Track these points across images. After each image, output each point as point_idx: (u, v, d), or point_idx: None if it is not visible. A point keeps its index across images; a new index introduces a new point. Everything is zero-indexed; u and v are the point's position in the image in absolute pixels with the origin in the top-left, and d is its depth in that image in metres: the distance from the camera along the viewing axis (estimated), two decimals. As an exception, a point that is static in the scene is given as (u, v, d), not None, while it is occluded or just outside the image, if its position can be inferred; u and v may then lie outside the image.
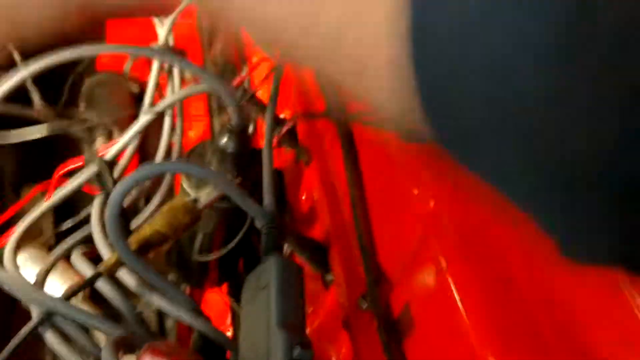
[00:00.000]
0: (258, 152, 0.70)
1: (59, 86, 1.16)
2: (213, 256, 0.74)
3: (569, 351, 0.44)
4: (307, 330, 0.69)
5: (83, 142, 1.12)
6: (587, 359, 0.44)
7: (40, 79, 1.13)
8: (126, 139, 0.69)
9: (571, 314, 0.47)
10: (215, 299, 0.88)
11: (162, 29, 0.87)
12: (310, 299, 0.71)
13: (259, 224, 0.58)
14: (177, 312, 0.59)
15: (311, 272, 0.69)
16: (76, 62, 1.17)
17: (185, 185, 0.70)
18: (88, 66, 1.22)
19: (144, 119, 0.69)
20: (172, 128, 0.85)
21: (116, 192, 0.51)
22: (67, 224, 0.81)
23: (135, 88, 1.15)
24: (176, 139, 0.87)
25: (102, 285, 0.58)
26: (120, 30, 1.19)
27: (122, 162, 0.78)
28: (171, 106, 0.72)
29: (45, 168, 0.79)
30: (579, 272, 0.50)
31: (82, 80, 1.19)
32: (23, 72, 0.59)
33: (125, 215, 0.70)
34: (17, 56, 0.99)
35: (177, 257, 0.78)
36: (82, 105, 1.18)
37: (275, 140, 0.71)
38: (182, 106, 0.85)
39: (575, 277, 0.49)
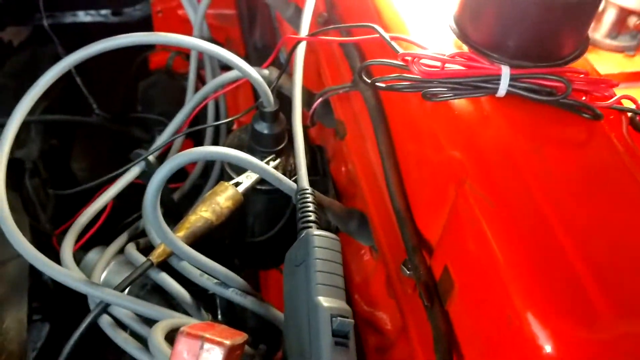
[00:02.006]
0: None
1: (115, 92, 1.22)
2: (263, 237, 0.76)
3: (613, 304, 0.42)
4: (357, 300, 0.70)
5: (143, 141, 1.18)
6: (632, 310, 0.42)
7: (97, 87, 1.19)
8: (165, 137, 0.72)
9: (614, 265, 0.44)
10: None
11: (195, 18, 0.88)
12: (359, 269, 0.71)
13: (294, 200, 0.59)
14: (227, 293, 0.61)
15: (359, 244, 0.69)
16: (129, 65, 1.23)
17: (228, 169, 0.72)
18: (142, 68, 1.27)
19: (180, 116, 0.71)
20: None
21: (151, 184, 0.53)
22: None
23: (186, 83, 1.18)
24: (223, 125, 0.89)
25: (155, 274, 0.61)
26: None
27: (171, 154, 0.81)
28: (205, 96, 0.73)
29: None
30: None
31: (136, 84, 1.24)
32: (68, 60, 0.62)
33: (173, 205, 0.73)
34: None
35: (233, 241, 0.80)
36: (139, 107, 1.23)
37: (309, 117, 0.71)
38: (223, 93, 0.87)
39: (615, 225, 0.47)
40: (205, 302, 0.67)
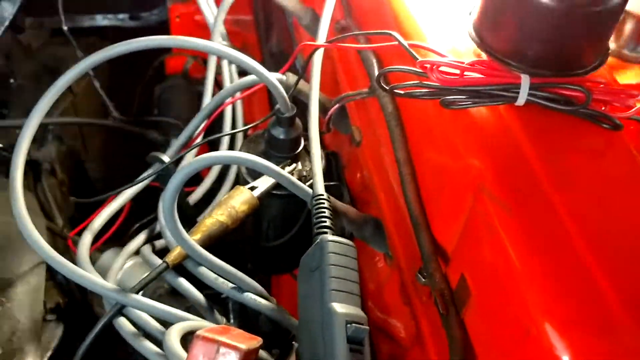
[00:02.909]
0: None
1: (132, 95, 1.23)
2: (278, 242, 0.76)
3: (633, 315, 0.42)
4: (371, 307, 0.70)
5: (159, 145, 1.19)
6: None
7: (113, 90, 1.20)
8: (182, 140, 0.72)
9: (634, 276, 0.44)
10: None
11: (213, 23, 0.89)
12: (373, 276, 0.71)
13: (309, 206, 0.59)
14: (242, 297, 0.61)
15: (373, 250, 0.69)
16: (145, 69, 1.24)
17: (244, 173, 0.72)
18: (158, 72, 1.28)
19: (196, 119, 0.71)
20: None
21: (169, 187, 0.53)
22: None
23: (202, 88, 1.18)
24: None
25: (170, 276, 0.61)
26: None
27: (188, 158, 0.82)
28: (222, 100, 0.73)
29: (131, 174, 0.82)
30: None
31: (152, 88, 1.25)
32: (87, 62, 0.62)
33: (188, 209, 0.74)
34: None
35: (247, 245, 0.80)
36: (155, 111, 1.24)
37: (325, 123, 0.71)
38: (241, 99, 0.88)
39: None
40: (217, 305, 0.67)
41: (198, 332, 0.42)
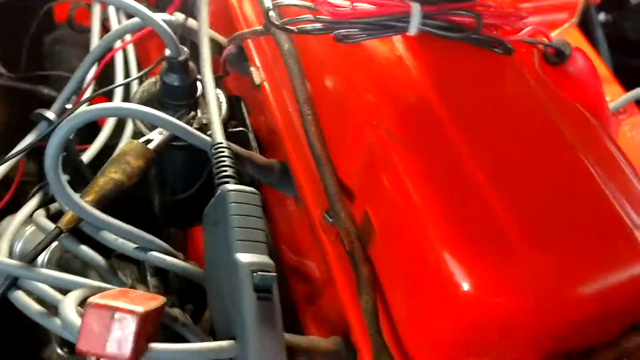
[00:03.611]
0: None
1: (18, 48, 1.13)
2: (185, 195, 0.73)
3: (528, 239, 0.43)
4: (284, 250, 0.69)
5: (52, 101, 1.11)
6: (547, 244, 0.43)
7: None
8: (68, 92, 0.67)
9: (529, 201, 0.45)
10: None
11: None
12: (285, 219, 0.70)
13: (209, 155, 0.57)
14: (145, 256, 0.58)
15: (282, 195, 0.67)
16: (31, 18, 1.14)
17: (140, 125, 0.67)
18: (44, 23, 1.18)
19: (81, 69, 0.66)
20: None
21: (49, 146, 0.49)
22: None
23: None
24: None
25: (67, 241, 0.57)
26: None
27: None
28: (107, 47, 0.68)
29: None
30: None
31: (41, 39, 1.15)
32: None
33: (82, 167, 0.69)
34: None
35: (155, 201, 0.77)
36: (46, 65, 1.15)
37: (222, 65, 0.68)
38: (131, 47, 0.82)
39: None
40: (137, 265, 0.65)
41: (90, 299, 0.40)
